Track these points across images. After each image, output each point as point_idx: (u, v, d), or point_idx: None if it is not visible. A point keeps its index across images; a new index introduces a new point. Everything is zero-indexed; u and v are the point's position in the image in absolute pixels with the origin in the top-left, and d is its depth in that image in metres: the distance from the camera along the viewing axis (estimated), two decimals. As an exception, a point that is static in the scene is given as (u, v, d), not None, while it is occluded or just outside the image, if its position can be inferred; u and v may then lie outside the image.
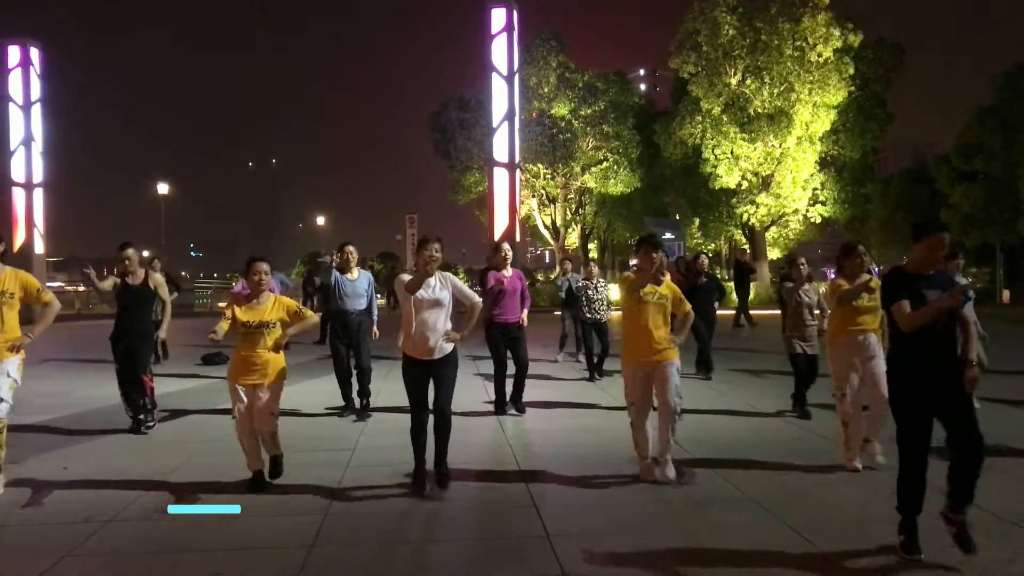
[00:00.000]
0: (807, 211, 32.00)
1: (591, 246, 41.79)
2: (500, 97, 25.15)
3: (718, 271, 34.96)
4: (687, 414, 5.53)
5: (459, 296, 5.02)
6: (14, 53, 29.59)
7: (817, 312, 7.24)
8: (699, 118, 30.09)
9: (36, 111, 30.04)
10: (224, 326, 4.91)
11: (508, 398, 7.57)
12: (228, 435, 5.50)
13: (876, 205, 32.75)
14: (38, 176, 30.15)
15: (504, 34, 25.17)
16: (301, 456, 5.93)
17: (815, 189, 31.25)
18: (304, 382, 9.71)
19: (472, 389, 8.99)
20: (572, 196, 37.15)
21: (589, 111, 33.99)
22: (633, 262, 36.92)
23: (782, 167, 29.80)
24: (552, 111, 34.27)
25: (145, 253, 7.65)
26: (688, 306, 5.27)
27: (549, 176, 35.38)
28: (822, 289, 7.63)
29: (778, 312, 13.99)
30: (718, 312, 10.69)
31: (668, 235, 28.42)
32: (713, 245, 38.41)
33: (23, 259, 28.43)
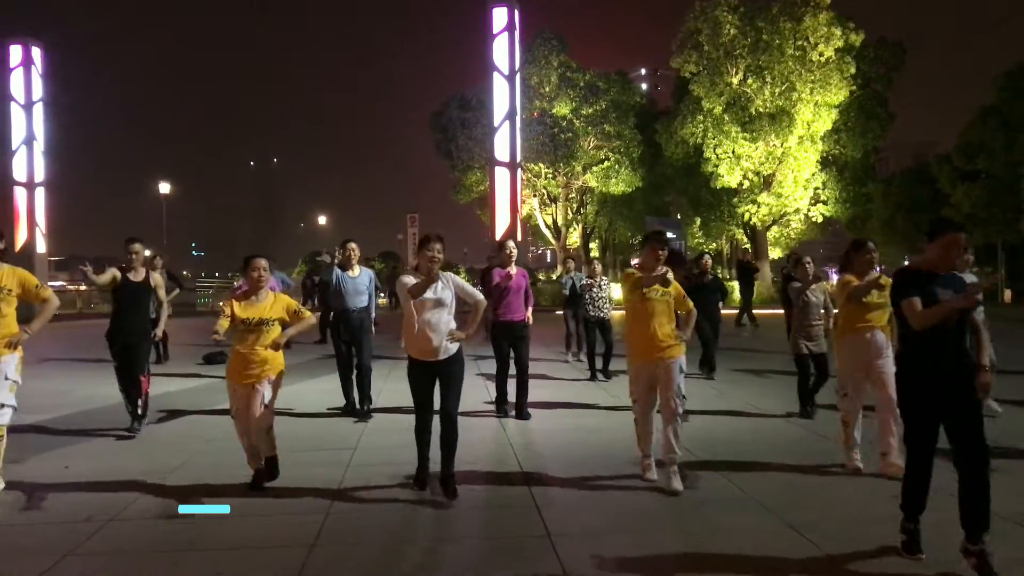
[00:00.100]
0: (808, 210, 32.01)
1: (592, 245, 41.79)
2: (501, 96, 25.18)
3: (720, 270, 34.95)
4: (689, 414, 5.52)
5: (462, 295, 4.96)
6: (16, 52, 29.67)
7: (823, 312, 7.19)
8: (700, 117, 30.10)
9: (38, 110, 30.12)
10: (224, 323, 4.87)
11: (514, 405, 7.50)
12: (229, 435, 5.49)
13: (877, 204, 32.74)
14: (40, 175, 30.23)
15: (505, 33, 25.21)
16: (302, 456, 5.93)
17: (816, 188, 31.26)
18: (304, 382, 9.70)
19: (474, 389, 8.98)
20: (573, 195, 37.17)
21: (590, 110, 34.00)
22: (635, 261, 36.99)
23: (783, 166, 29.80)
24: (553, 110, 34.28)
25: (147, 252, 7.59)
26: (691, 303, 5.25)
27: (550, 175, 35.39)
28: (828, 287, 7.61)
29: (780, 312, 13.96)
30: (721, 311, 10.67)
31: (670, 234, 28.33)
32: (714, 244, 38.41)
33: (25, 258, 28.51)
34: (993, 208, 26.87)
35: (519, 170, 26.87)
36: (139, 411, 6.76)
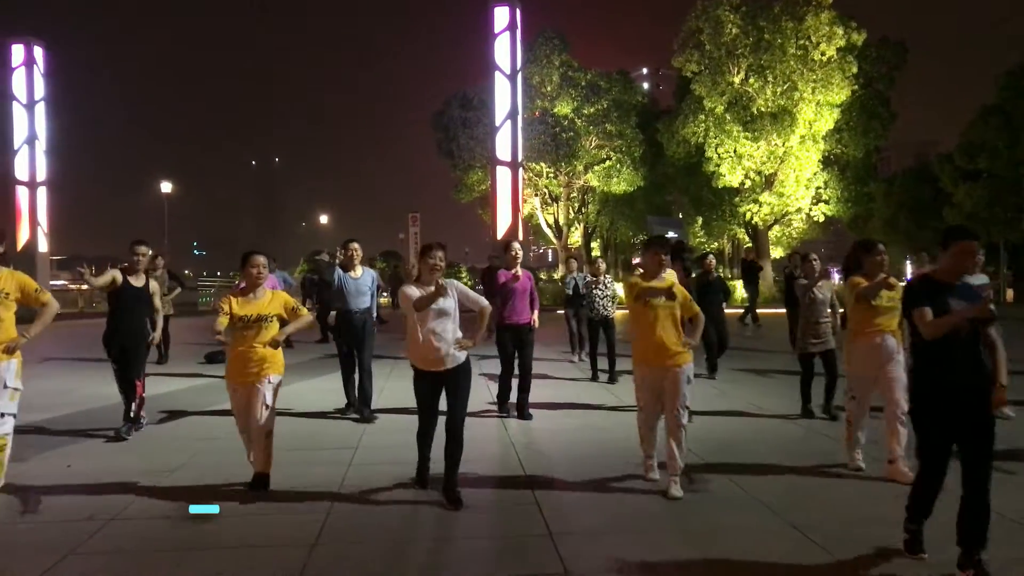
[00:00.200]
0: (810, 210, 31.99)
1: (594, 245, 41.78)
2: (503, 96, 25.16)
3: (721, 270, 34.94)
4: (692, 414, 5.50)
5: (465, 302, 4.89)
6: (18, 52, 29.70)
7: (829, 310, 7.15)
8: (702, 117, 30.08)
9: (40, 110, 30.13)
10: (224, 320, 4.84)
11: (515, 404, 7.50)
12: (230, 434, 5.50)
13: (879, 204, 32.71)
14: (41, 174, 30.26)
15: (507, 33, 25.19)
16: (303, 455, 5.94)
17: (818, 188, 31.24)
18: (305, 381, 9.70)
19: (476, 389, 8.90)
20: (575, 195, 37.16)
21: (592, 110, 34.00)
22: (636, 260, 36.83)
23: (785, 166, 29.77)
24: (555, 110, 34.28)
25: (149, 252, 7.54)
26: (697, 308, 5.12)
27: (552, 175, 35.38)
28: (835, 285, 7.58)
29: (782, 311, 13.93)
30: (725, 312, 10.65)
31: (671, 234, 28.40)
32: (716, 244, 38.41)
33: (27, 257, 28.55)
34: (995, 208, 26.82)
35: (520, 169, 26.85)
36: (131, 415, 6.70)
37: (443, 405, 4.85)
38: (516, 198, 25.53)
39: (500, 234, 24.81)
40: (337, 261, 7.54)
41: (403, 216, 48.93)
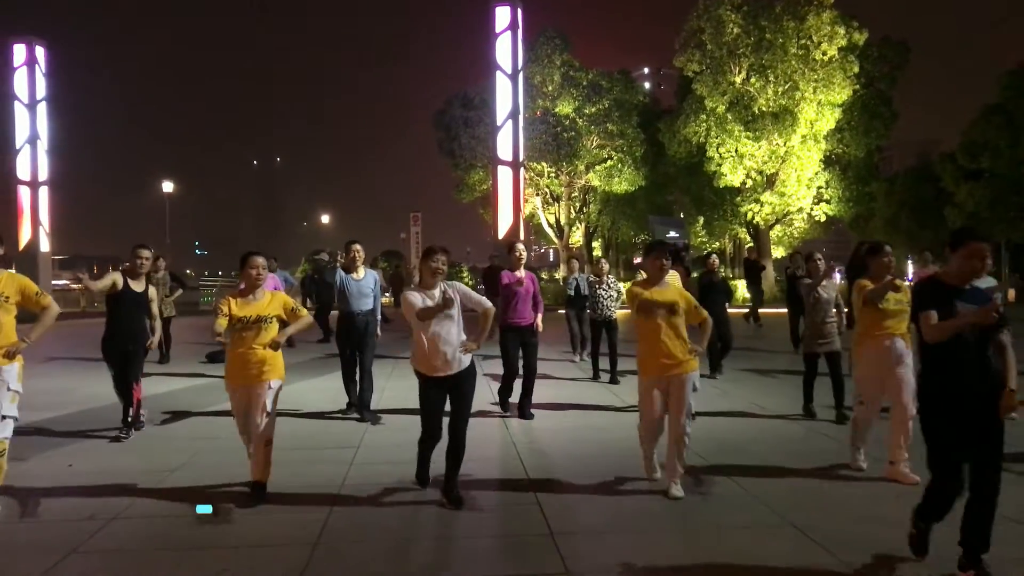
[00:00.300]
0: (811, 209, 31.99)
1: (595, 244, 41.78)
2: (504, 95, 25.14)
3: (723, 270, 34.92)
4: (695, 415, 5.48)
5: (468, 303, 4.82)
6: (20, 52, 29.70)
7: (834, 310, 7.10)
8: (703, 116, 30.08)
9: (41, 109, 30.14)
10: (223, 322, 4.78)
11: (517, 405, 7.49)
12: (232, 434, 5.49)
13: (881, 203, 32.70)
14: (43, 174, 30.26)
15: (508, 32, 25.17)
16: (304, 454, 5.94)
17: (820, 187, 31.23)
18: (306, 380, 9.70)
19: (478, 388, 8.96)
20: (576, 194, 37.15)
21: (593, 109, 33.99)
22: (637, 260, 36.73)
23: (786, 165, 29.76)
24: (556, 109, 34.27)
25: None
26: (705, 312, 5.01)
27: (553, 174, 35.38)
28: (838, 284, 7.54)
29: (784, 311, 13.92)
30: (728, 312, 10.63)
31: (672, 233, 28.42)
32: (717, 244, 38.38)
33: (29, 257, 28.58)
34: (997, 207, 26.82)
35: (522, 169, 26.85)
36: (129, 418, 6.68)
37: (445, 406, 4.83)
38: (517, 198, 25.52)
39: (501, 234, 24.80)
40: (339, 263, 7.51)
41: (404, 216, 49.04)
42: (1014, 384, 3.52)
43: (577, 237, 39.17)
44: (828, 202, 31.86)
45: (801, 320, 11.15)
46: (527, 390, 7.45)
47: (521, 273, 7.45)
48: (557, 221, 37.29)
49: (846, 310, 7.04)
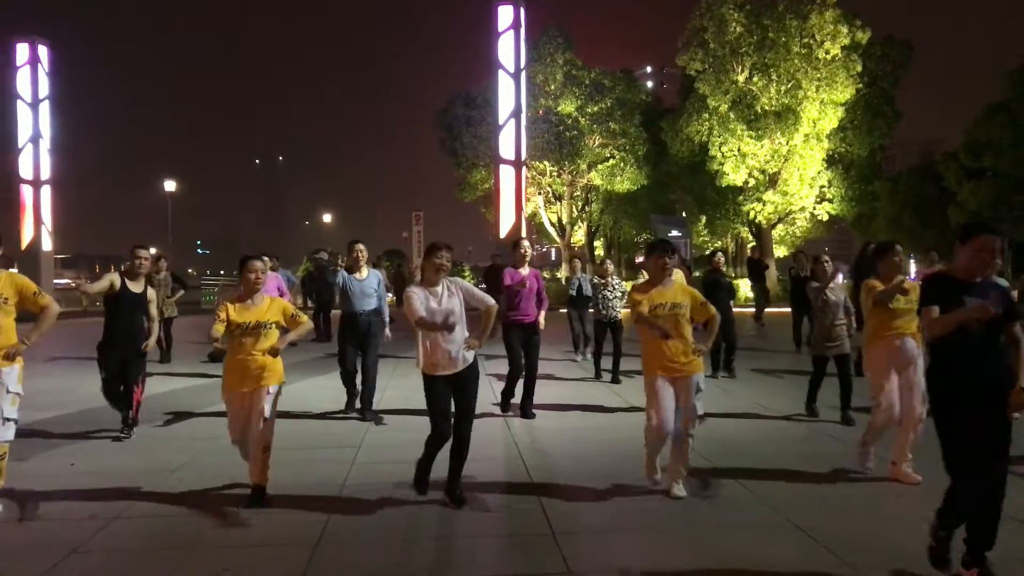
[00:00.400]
0: (814, 209, 31.94)
1: (597, 243, 41.76)
2: (507, 94, 25.10)
3: (725, 269, 34.91)
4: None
5: (471, 301, 4.76)
6: (23, 51, 29.70)
7: (843, 312, 7.03)
8: (706, 115, 30.04)
9: (44, 108, 30.14)
10: (220, 328, 4.68)
11: (519, 405, 7.47)
12: (233, 433, 5.48)
13: (884, 203, 32.64)
14: (46, 173, 30.26)
15: (511, 31, 25.13)
16: (305, 454, 5.94)
17: (822, 187, 31.18)
18: (307, 380, 9.70)
19: (480, 388, 8.95)
20: (578, 193, 37.13)
21: (596, 108, 33.96)
22: (639, 259, 36.69)
23: (789, 165, 29.72)
24: (559, 108, 34.24)
25: (152, 250, 7.47)
26: (712, 309, 4.92)
27: (555, 173, 35.35)
28: (842, 281, 7.50)
29: (787, 310, 13.87)
30: (732, 311, 10.60)
31: (675, 232, 28.39)
32: (720, 243, 38.35)
33: (31, 256, 28.59)
34: (1000, 206, 26.76)
35: (524, 168, 26.83)
36: (130, 420, 6.65)
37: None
38: (519, 197, 25.48)
39: (503, 233, 24.78)
40: (340, 265, 7.48)
41: (406, 214, 49.05)
42: None
43: (579, 236, 39.15)
44: (831, 201, 31.81)
45: (804, 320, 11.13)
46: (529, 390, 7.44)
47: (525, 271, 7.45)
48: (559, 220, 37.27)
49: (854, 311, 7.01)
